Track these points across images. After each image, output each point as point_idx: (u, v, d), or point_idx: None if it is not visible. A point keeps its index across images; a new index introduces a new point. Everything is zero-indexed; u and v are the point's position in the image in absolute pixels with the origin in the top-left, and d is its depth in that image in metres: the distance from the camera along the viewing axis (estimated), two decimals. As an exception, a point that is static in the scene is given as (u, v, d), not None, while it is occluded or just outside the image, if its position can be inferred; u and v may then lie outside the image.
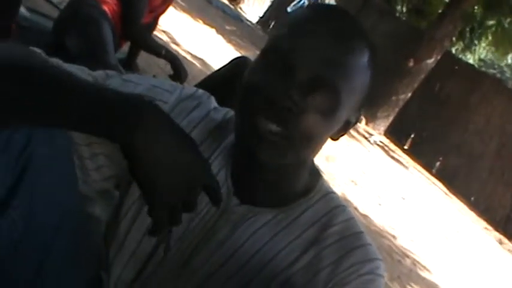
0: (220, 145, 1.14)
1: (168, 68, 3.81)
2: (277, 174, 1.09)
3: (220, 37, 10.13)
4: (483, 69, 15.33)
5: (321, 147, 1.09)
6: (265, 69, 1.01)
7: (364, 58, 1.03)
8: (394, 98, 10.83)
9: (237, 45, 10.49)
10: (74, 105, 0.91)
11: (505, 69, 21.92)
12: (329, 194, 1.16)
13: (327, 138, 1.07)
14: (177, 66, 3.71)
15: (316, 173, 1.17)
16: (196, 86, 3.05)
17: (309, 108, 0.99)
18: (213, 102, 1.19)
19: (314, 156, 1.11)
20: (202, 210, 1.09)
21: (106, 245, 1.18)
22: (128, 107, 0.92)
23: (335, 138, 1.11)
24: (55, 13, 4.03)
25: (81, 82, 0.96)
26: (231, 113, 1.19)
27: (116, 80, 1.13)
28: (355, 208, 5.69)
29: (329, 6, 1.10)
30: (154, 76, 4.11)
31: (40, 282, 1.01)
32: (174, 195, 0.94)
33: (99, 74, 1.14)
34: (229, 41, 10.45)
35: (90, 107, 0.91)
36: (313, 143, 1.04)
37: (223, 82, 2.80)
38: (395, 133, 12.19)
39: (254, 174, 1.09)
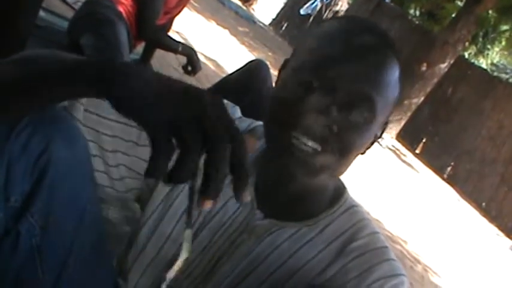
0: None
1: (181, 70, 3.81)
2: (304, 189, 1.08)
3: (233, 38, 10.13)
4: (496, 74, 15.23)
5: (351, 162, 1.07)
6: (301, 83, 0.99)
7: (396, 73, 1.03)
8: (406, 102, 10.78)
9: (250, 47, 10.50)
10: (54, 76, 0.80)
11: (518, 74, 21.83)
12: (353, 207, 1.15)
13: (356, 157, 1.06)
14: (193, 61, 3.72)
15: (340, 186, 1.16)
16: (209, 88, 3.06)
17: (347, 125, 0.98)
18: (238, 112, 1.18)
19: (345, 170, 1.09)
20: (226, 223, 1.08)
21: (125, 253, 1.17)
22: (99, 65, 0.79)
23: (363, 152, 1.10)
24: (70, 13, 4.03)
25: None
26: (255, 123, 1.18)
27: None
28: (367, 213, 5.66)
29: (361, 20, 1.07)
30: (168, 77, 4.10)
31: (60, 286, 1.00)
32: (169, 109, 0.73)
33: None
34: (242, 42, 10.46)
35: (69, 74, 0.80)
36: (348, 160, 1.03)
37: (237, 85, 2.79)
38: (407, 137, 12.15)
39: (281, 188, 1.07)
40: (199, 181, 0.73)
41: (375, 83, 0.99)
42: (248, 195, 0.74)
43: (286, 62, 1.11)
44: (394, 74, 1.02)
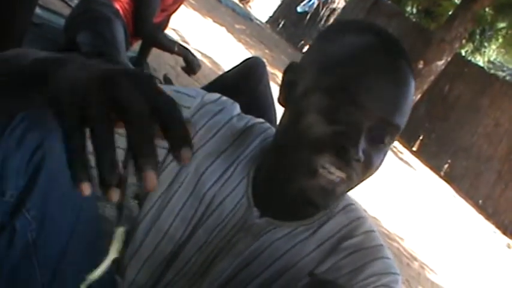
0: (241, 154, 1.12)
1: (178, 68, 3.82)
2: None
3: (230, 36, 10.12)
4: (493, 71, 15.24)
5: None
6: (329, 109, 0.96)
7: (413, 91, 1.01)
8: (403, 99, 10.79)
9: (247, 44, 10.49)
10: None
11: (515, 71, 21.85)
12: (350, 205, 1.15)
13: None
14: (191, 60, 3.73)
15: None
16: (206, 86, 3.06)
17: (374, 154, 0.99)
18: (237, 109, 1.18)
19: None
20: (223, 221, 1.08)
21: (122, 250, 1.17)
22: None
23: None
24: (67, 11, 4.03)
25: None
26: (254, 120, 1.18)
27: None
28: (363, 211, 5.67)
29: (386, 36, 1.04)
30: (165, 75, 4.12)
31: (56, 283, 1.00)
32: (78, 88, 0.64)
33: None
34: (239, 39, 10.45)
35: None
36: (362, 181, 1.04)
37: (234, 83, 2.79)
38: (403, 135, 12.15)
39: (279, 189, 1.07)
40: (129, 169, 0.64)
41: (401, 109, 0.98)
42: (189, 152, 0.63)
43: (295, 67, 1.07)
44: (412, 93, 1.01)
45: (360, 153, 0.94)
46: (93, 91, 0.62)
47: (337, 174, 0.97)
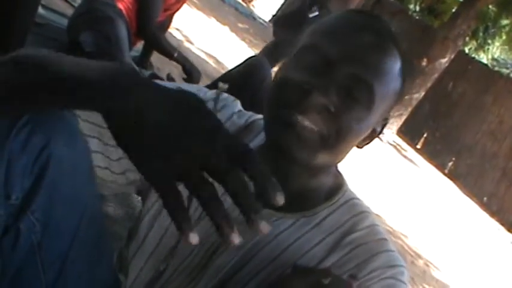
0: None
1: (181, 68, 3.82)
2: (303, 179, 1.08)
3: (233, 35, 10.12)
4: (496, 68, 15.22)
5: (347, 153, 1.08)
6: (302, 64, 1.02)
7: (397, 65, 1.05)
8: (407, 97, 10.76)
9: (250, 43, 10.48)
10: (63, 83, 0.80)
11: (519, 68, 21.79)
12: (352, 199, 1.15)
13: (354, 144, 1.07)
14: (189, 69, 3.74)
15: (339, 180, 1.16)
16: (210, 85, 3.06)
17: (345, 108, 0.99)
18: (238, 106, 1.19)
19: (340, 161, 1.10)
20: None
21: (126, 248, 1.17)
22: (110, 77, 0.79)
23: (360, 146, 1.10)
24: (69, 11, 4.03)
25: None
26: (254, 117, 1.19)
27: None
28: (366, 206, 5.66)
29: (367, 11, 1.11)
30: (168, 74, 4.12)
31: (60, 284, 1.00)
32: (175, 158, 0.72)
33: None
34: (242, 38, 10.44)
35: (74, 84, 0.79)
36: (344, 146, 1.04)
37: (237, 81, 2.79)
38: (408, 132, 12.15)
39: (279, 178, 1.08)
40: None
41: (375, 69, 1.01)
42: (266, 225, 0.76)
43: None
44: (395, 65, 1.04)
45: (327, 102, 0.97)
46: (191, 165, 0.72)
47: (308, 124, 0.98)
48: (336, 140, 1.01)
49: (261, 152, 1.11)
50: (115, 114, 0.75)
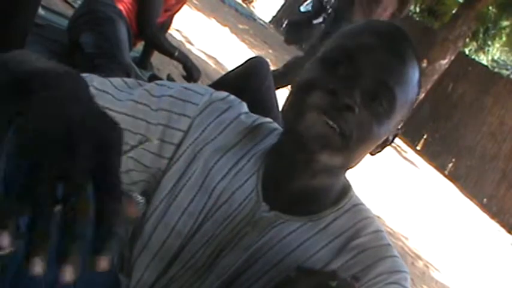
0: (251, 150, 1.14)
1: (181, 67, 3.82)
2: (312, 183, 1.08)
3: (233, 36, 10.13)
4: (496, 70, 15.24)
5: (362, 158, 1.09)
6: (328, 66, 1.03)
7: (417, 76, 1.08)
8: (407, 98, 10.78)
9: (250, 44, 10.49)
10: None
11: (519, 70, 21.81)
12: (358, 205, 1.15)
13: (371, 148, 1.08)
14: (189, 68, 3.74)
15: (346, 185, 1.16)
16: (210, 85, 3.06)
17: (368, 111, 1.01)
18: (244, 108, 1.19)
19: (355, 165, 1.10)
20: (231, 215, 1.09)
21: (128, 248, 1.17)
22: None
23: (373, 153, 1.11)
24: (70, 11, 4.04)
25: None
26: (262, 119, 1.20)
27: (148, 85, 1.14)
28: (371, 212, 5.67)
29: (389, 22, 1.16)
30: (168, 75, 4.12)
31: (59, 283, 1.00)
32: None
33: (131, 81, 1.15)
34: (243, 39, 10.45)
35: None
36: (362, 148, 1.04)
37: (237, 83, 2.79)
38: (408, 134, 12.15)
39: (288, 182, 1.08)
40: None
41: (399, 78, 1.03)
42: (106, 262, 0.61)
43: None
44: (415, 75, 1.07)
45: (352, 102, 0.98)
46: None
47: (329, 122, 0.98)
48: (356, 141, 1.01)
49: (274, 151, 1.12)
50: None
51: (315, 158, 1.02)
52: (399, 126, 1.12)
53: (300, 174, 1.07)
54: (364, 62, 1.01)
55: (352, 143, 1.01)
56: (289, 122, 1.06)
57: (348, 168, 1.11)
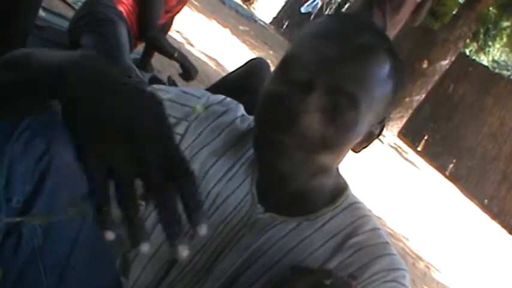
0: (246, 153, 1.14)
1: (179, 67, 3.84)
2: (300, 184, 1.08)
3: (233, 37, 10.14)
4: (497, 70, 15.24)
5: (342, 158, 1.07)
6: (284, 78, 1.00)
7: (383, 68, 1.01)
8: (407, 99, 10.78)
9: (251, 45, 10.50)
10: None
11: (519, 71, 21.81)
12: (355, 204, 1.15)
13: (348, 149, 1.06)
14: (187, 67, 3.77)
15: (342, 184, 1.16)
16: (210, 87, 3.06)
17: (325, 119, 0.97)
18: (241, 110, 1.19)
19: (336, 165, 1.10)
20: (227, 218, 1.09)
21: (127, 250, 1.17)
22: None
23: (357, 150, 1.09)
24: (70, 13, 4.04)
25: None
26: None
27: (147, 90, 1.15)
28: (368, 210, 5.67)
29: (351, 16, 1.08)
30: (169, 77, 4.12)
31: (61, 287, 1.00)
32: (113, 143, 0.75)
33: None
34: (243, 41, 10.46)
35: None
36: (332, 154, 1.02)
37: (238, 84, 2.80)
38: (408, 134, 12.15)
39: (278, 184, 1.08)
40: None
41: (355, 79, 0.98)
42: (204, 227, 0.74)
43: None
44: (380, 70, 1.00)
45: (304, 107, 0.95)
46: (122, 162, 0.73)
47: (285, 139, 0.97)
48: (319, 150, 0.99)
49: None
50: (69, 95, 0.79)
51: (282, 175, 1.02)
52: (383, 119, 1.08)
53: (283, 180, 1.05)
54: (317, 69, 0.97)
55: (316, 153, 0.99)
56: (253, 139, 1.06)
57: (329, 169, 1.09)
